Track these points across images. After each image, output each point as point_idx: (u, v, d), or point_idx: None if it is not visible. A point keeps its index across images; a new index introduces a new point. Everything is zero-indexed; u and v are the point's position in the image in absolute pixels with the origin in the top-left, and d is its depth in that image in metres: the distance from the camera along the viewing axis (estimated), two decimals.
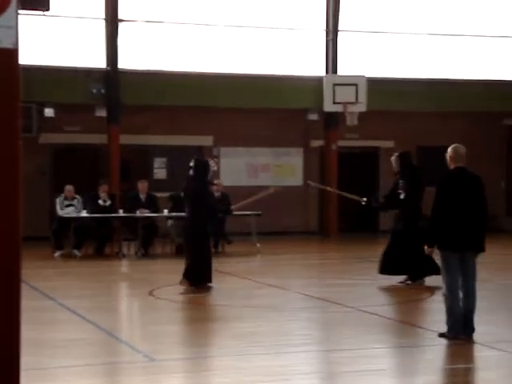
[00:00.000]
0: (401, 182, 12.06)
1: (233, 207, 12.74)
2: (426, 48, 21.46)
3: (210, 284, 11.67)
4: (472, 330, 8.07)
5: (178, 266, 14.70)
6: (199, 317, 9.73)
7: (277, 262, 15.60)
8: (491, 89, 21.44)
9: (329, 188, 14.68)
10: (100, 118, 19.28)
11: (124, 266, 15.40)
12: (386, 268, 12.16)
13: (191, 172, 11.64)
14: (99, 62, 19.32)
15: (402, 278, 12.10)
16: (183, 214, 16.21)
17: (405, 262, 11.79)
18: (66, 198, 16.22)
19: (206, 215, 11.58)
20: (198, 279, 11.55)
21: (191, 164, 11.69)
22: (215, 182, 17.49)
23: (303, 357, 7.67)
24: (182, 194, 11.99)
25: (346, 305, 10.26)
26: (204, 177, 11.62)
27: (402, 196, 12.03)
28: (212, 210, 11.84)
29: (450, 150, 8.26)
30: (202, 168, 11.65)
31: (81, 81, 18.92)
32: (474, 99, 21.14)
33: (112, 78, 19.18)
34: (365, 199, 12.93)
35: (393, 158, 12.26)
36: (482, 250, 8.18)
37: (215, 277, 13.75)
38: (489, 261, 11.72)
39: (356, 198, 13.04)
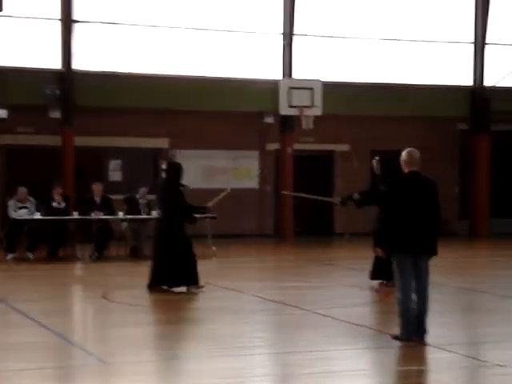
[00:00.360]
0: (381, 186, 12.05)
1: (209, 204, 12.64)
2: (381, 53, 21.67)
3: (190, 287, 11.50)
4: (425, 332, 8.14)
5: (133, 269, 14.66)
6: (153, 319, 9.68)
7: (232, 265, 15.59)
8: (445, 94, 21.73)
9: (303, 194, 14.50)
10: (54, 119, 19.08)
11: (78, 268, 15.25)
12: (376, 275, 12.16)
13: (163, 174, 11.67)
14: (54, 62, 19.13)
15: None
16: (139, 216, 16.26)
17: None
18: (19, 201, 16.00)
19: (180, 217, 11.52)
20: (172, 281, 11.44)
21: (163, 166, 11.75)
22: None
23: (258, 359, 7.68)
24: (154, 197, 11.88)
25: (302, 307, 10.28)
26: (177, 179, 11.60)
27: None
28: (187, 212, 11.75)
29: (404, 154, 8.33)
30: (175, 170, 11.64)
31: (35, 82, 18.71)
32: (428, 104, 21.40)
33: (66, 79, 19.01)
34: (339, 199, 12.98)
35: (374, 162, 12.33)
36: (434, 253, 8.26)
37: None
38: (441, 264, 11.84)
39: (330, 199, 13.06)
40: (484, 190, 22.11)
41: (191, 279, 11.46)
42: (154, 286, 11.44)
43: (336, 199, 13.03)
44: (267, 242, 20.28)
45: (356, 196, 12.40)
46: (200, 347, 8.03)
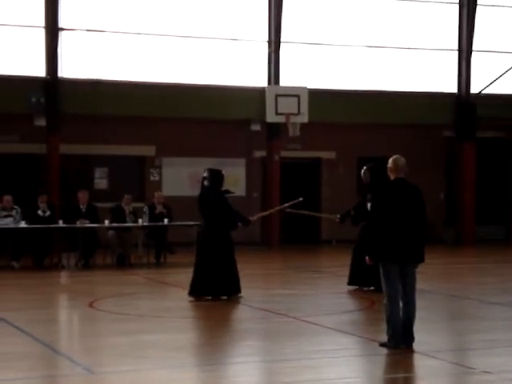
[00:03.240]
0: (369, 195, 12.03)
1: (252, 218, 12.64)
2: (367, 60, 21.72)
3: (239, 294, 11.72)
4: (412, 339, 8.13)
5: (119, 277, 14.60)
6: (139, 329, 9.63)
7: None
8: (431, 101, 21.80)
9: (305, 212, 14.46)
10: (39, 127, 19.00)
11: (64, 277, 15.18)
12: (353, 280, 12.45)
13: (206, 182, 11.76)
14: (39, 70, 19.07)
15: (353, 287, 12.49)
16: (125, 224, 16.21)
17: (371, 274, 11.37)
18: (4, 209, 15.92)
19: (224, 224, 11.65)
20: (216, 290, 11.54)
21: (205, 174, 11.83)
22: (155, 194, 17.39)
23: (245, 368, 7.64)
24: (197, 205, 11.91)
25: (289, 315, 10.27)
26: (219, 186, 11.74)
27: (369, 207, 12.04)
28: (230, 218, 11.83)
29: (389, 161, 8.33)
30: (217, 177, 11.76)
31: (19, 89, 18.63)
32: (414, 111, 21.46)
33: (52, 86, 18.93)
34: (338, 216, 12.97)
35: (362, 172, 12.32)
36: (421, 260, 8.25)
37: (158, 287, 13.69)
38: (428, 271, 11.87)
39: (329, 216, 13.18)
40: (470, 196, 22.17)
41: (233, 288, 11.61)
42: (196, 295, 11.51)
43: (334, 216, 13.10)
44: (254, 250, 20.25)
45: (352, 212, 12.52)
46: (185, 356, 7.99)
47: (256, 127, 20.95)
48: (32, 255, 16.03)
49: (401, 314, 8.11)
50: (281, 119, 20.13)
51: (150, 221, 16.51)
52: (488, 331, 9.34)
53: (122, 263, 16.14)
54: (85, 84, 19.28)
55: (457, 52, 22.24)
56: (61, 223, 15.91)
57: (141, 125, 20.14)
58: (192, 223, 16.65)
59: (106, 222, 16.10)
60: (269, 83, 20.71)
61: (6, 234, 15.57)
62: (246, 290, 12.92)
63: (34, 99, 18.66)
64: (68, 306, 12.14)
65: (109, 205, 16.99)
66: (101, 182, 20.39)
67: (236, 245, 20.06)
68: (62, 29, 19.15)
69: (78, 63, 19.43)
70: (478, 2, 22.06)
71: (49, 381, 7.22)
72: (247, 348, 8.51)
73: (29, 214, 15.98)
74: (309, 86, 20.39)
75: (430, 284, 12.70)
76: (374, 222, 8.16)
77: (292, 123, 20.00)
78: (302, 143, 21.10)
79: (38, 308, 11.25)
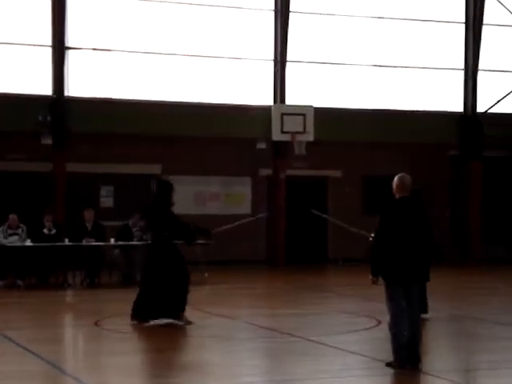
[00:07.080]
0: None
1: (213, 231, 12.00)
2: (373, 79, 21.79)
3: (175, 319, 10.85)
4: (418, 359, 8.08)
5: (125, 296, 14.53)
6: (146, 347, 9.63)
7: (225, 292, 15.54)
8: (437, 120, 21.84)
9: (331, 218, 13.15)
10: (46, 145, 19.09)
11: (69, 295, 15.19)
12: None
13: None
14: (46, 89, 19.18)
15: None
16: (130, 242, 16.20)
17: None
18: (9, 227, 15.97)
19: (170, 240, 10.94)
20: (152, 313, 10.84)
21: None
22: None
23: None
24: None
25: (295, 334, 10.25)
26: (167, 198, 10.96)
27: None
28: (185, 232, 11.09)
29: (395, 179, 8.33)
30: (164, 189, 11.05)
31: (26, 108, 18.73)
32: (420, 130, 21.49)
33: (58, 105, 19.04)
34: (372, 235, 11.59)
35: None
36: (426, 280, 8.23)
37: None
38: (434, 290, 11.83)
39: (360, 232, 11.67)
40: (476, 216, 22.15)
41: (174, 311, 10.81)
42: (135, 318, 10.90)
43: (370, 234, 10.56)
44: (260, 269, 20.24)
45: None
46: (191, 375, 7.99)
47: (262, 146, 21.01)
48: (37, 274, 16.03)
49: (406, 333, 8.07)
50: (287, 138, 20.19)
51: None
52: (495, 351, 9.31)
53: (128, 282, 16.12)
54: (91, 103, 19.38)
55: (463, 71, 22.30)
56: (66, 242, 15.94)
57: (147, 143, 20.20)
58: (198, 241, 16.63)
59: (112, 241, 16.12)
60: (275, 102, 20.79)
61: (12, 252, 15.58)
62: (252, 310, 12.93)
63: (40, 118, 18.76)
64: (73, 325, 12.14)
65: (115, 223, 17.03)
66: (107, 200, 20.43)
67: (241, 262, 20.04)
68: (69, 48, 19.28)
69: (85, 82, 19.55)
70: (484, 22, 22.15)
71: None
72: (253, 368, 8.49)
73: (34, 233, 16.01)
74: (314, 105, 20.46)
75: (436, 303, 12.63)
76: (379, 241, 8.14)
77: (298, 142, 20.06)
78: (308, 162, 21.13)
79: (43, 326, 11.24)
